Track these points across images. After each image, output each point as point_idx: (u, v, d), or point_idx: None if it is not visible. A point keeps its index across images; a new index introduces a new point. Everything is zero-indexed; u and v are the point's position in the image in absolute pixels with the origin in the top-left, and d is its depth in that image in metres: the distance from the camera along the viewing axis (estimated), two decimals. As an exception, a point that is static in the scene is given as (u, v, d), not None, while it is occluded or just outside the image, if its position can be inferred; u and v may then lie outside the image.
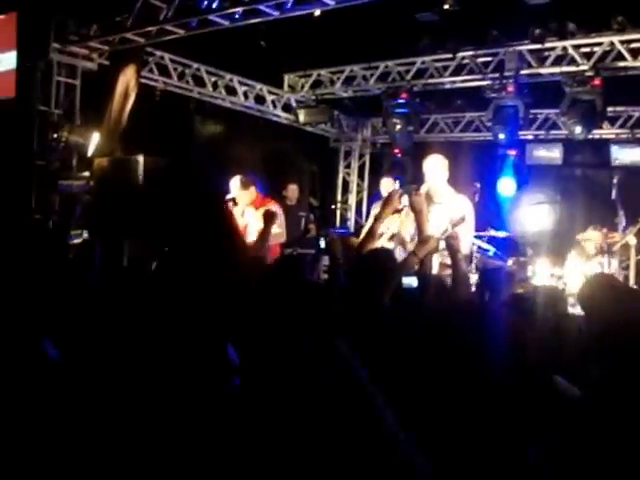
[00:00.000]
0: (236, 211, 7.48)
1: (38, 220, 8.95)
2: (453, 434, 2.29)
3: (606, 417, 2.18)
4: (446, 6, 8.40)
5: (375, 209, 7.26)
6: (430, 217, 5.88)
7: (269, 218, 5.97)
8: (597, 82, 9.84)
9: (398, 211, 5.86)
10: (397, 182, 8.32)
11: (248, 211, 7.75)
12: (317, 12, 8.36)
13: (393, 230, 6.59)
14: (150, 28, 9.22)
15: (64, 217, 9.12)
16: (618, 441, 2.13)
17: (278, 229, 7.49)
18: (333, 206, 14.06)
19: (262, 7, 8.28)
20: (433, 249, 4.53)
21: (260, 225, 6.83)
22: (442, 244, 4.75)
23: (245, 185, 7.74)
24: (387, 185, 8.94)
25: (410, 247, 5.94)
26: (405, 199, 5.68)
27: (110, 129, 9.67)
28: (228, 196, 7.52)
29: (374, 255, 4.25)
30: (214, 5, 8.42)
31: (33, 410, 2.08)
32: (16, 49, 9.13)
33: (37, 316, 2.81)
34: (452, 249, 4.58)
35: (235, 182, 7.78)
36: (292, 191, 10.91)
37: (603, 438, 2.15)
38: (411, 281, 4.14)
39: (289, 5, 8.26)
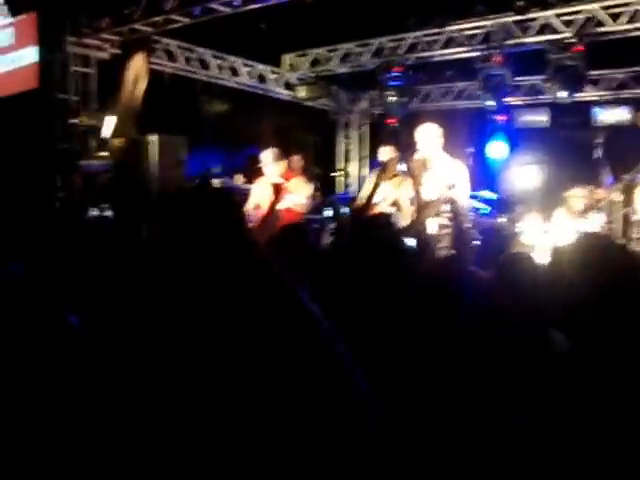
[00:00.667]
0: (265, 183, 7.60)
1: (61, 198, 9.20)
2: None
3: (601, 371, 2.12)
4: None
5: (373, 176, 7.39)
6: (426, 182, 6.05)
7: (277, 192, 6.17)
8: (579, 48, 9.94)
9: (395, 176, 6.04)
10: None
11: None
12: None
13: (393, 196, 6.70)
14: (157, 18, 9.55)
15: (84, 195, 9.33)
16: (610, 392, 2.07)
17: (304, 199, 7.62)
18: (333, 174, 14.21)
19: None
20: (432, 213, 4.61)
21: (290, 195, 7.07)
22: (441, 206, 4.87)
23: (276, 158, 7.82)
24: (385, 153, 9.02)
25: (407, 211, 6.15)
26: (402, 165, 5.85)
27: (125, 112, 9.96)
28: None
29: (374, 220, 4.29)
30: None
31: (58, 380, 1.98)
32: (37, 45, 9.58)
33: (59, 288, 2.79)
34: (453, 211, 4.59)
35: (267, 155, 7.81)
36: (296, 161, 11.04)
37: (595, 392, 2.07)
38: (411, 242, 4.21)
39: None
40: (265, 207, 7.01)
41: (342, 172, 14.84)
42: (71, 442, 1.80)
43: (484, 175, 10.41)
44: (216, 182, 10.84)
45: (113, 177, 9.52)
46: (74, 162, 9.66)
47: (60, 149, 9.72)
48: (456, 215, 4.51)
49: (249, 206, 7.69)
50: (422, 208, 4.58)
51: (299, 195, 7.61)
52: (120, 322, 2.67)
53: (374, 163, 10.04)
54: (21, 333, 2.03)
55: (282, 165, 7.87)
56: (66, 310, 2.13)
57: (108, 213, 8.15)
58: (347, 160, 15.10)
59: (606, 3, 9.70)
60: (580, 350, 2.17)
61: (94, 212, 7.76)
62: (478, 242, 7.04)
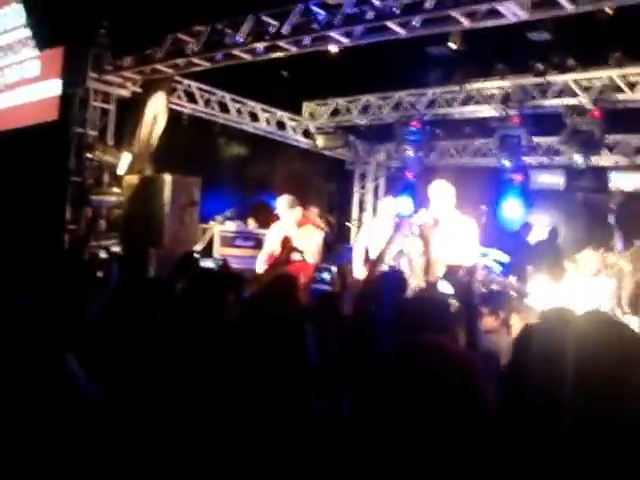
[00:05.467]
0: (279, 228, 7.55)
1: (71, 230, 9.18)
2: None
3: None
4: (454, 46, 8.44)
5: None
6: (436, 241, 5.92)
7: (286, 246, 6.06)
8: (596, 113, 9.87)
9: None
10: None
11: (292, 229, 7.64)
12: (333, 48, 8.48)
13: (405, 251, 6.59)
14: (179, 60, 9.44)
15: (88, 229, 9.32)
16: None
17: (314, 250, 7.50)
18: (347, 224, 14.13)
19: (282, 43, 8.46)
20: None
21: (301, 242, 6.96)
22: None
23: (292, 205, 7.73)
24: (387, 205, 8.79)
25: (418, 269, 6.02)
26: (414, 227, 5.75)
27: (141, 150, 9.94)
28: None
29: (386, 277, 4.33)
30: (238, 40, 8.56)
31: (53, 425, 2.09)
32: (61, 78, 9.66)
33: (59, 329, 2.85)
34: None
35: (282, 201, 7.76)
36: (312, 213, 10.94)
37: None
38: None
39: (307, 42, 8.39)
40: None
41: (356, 222, 14.75)
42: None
43: (497, 233, 10.27)
44: (229, 224, 10.79)
45: (124, 213, 9.48)
46: (86, 196, 9.59)
47: (73, 182, 9.62)
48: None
49: (264, 252, 7.67)
50: (431, 268, 4.52)
51: (309, 244, 7.49)
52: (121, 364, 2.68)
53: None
54: (21, 368, 2.11)
55: (297, 212, 7.78)
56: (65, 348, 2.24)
57: (114, 250, 8.09)
58: (362, 210, 15.01)
59: (624, 72, 9.64)
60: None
61: (102, 254, 7.68)
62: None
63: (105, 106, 10.17)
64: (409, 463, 1.78)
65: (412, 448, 1.79)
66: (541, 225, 11.43)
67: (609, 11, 7.24)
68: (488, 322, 6.32)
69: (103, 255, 7.53)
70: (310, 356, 2.71)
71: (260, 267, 7.54)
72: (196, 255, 8.98)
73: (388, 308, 3.56)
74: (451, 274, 5.24)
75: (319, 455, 2.12)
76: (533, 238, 11.51)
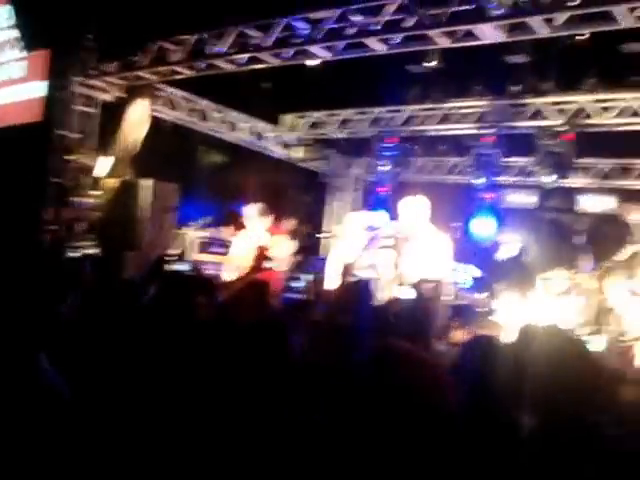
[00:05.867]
0: (250, 236, 7.55)
1: (50, 231, 9.17)
2: None
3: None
4: (431, 63, 8.58)
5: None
6: (408, 253, 6.04)
7: (260, 255, 6.14)
8: (569, 136, 10.06)
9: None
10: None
11: (262, 238, 7.63)
12: (314, 62, 8.58)
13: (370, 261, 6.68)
14: (162, 68, 9.53)
15: (67, 230, 9.32)
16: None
17: (286, 257, 7.54)
18: (319, 235, 14.19)
19: (264, 55, 8.55)
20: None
21: (273, 251, 7.01)
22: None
23: (262, 213, 7.75)
24: (356, 219, 8.80)
25: (387, 281, 6.13)
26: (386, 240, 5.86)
27: (122, 154, 9.97)
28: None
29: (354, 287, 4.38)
30: (221, 51, 8.64)
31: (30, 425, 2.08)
32: (46, 80, 9.76)
33: (33, 330, 2.83)
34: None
35: (252, 210, 7.73)
36: (289, 224, 10.95)
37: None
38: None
39: (288, 55, 8.49)
40: (246, 262, 6.98)
41: (329, 234, 14.80)
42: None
43: (469, 250, 10.38)
44: (205, 231, 10.82)
45: (103, 216, 9.49)
46: (66, 197, 9.61)
47: (53, 183, 9.64)
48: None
49: (229, 259, 7.65)
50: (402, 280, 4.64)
51: (280, 252, 7.54)
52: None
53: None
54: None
55: (268, 220, 7.77)
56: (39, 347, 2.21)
57: (91, 251, 8.10)
58: (336, 223, 15.06)
59: (597, 97, 9.87)
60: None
61: (76, 253, 7.69)
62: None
63: (88, 110, 10.20)
64: (383, 461, 1.87)
65: (384, 445, 1.88)
66: (511, 243, 11.57)
67: (584, 37, 7.42)
68: (456, 336, 6.42)
69: (81, 256, 7.55)
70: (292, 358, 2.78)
71: (227, 274, 7.48)
72: (170, 259, 9.06)
73: (362, 316, 3.65)
74: (418, 286, 5.36)
75: (297, 456, 2.19)
76: (503, 255, 11.67)
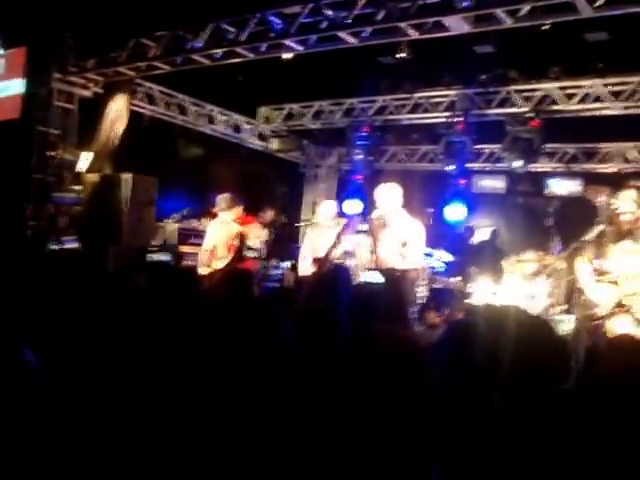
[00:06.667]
0: (218, 225, 7.65)
1: (32, 227, 9.18)
2: None
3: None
4: (402, 54, 8.69)
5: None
6: (384, 239, 6.15)
7: (242, 240, 6.26)
8: (536, 122, 10.23)
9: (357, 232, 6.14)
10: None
11: (234, 227, 7.77)
12: (288, 55, 8.66)
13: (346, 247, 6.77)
14: (140, 63, 9.59)
15: (50, 225, 9.33)
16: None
17: (259, 246, 7.62)
18: (297, 224, 14.29)
19: (239, 49, 8.63)
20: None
21: (250, 240, 7.11)
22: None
23: (231, 204, 7.82)
24: (350, 207, 8.93)
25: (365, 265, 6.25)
26: (364, 225, 5.96)
27: (102, 149, 10.01)
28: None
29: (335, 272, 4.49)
30: (197, 46, 8.71)
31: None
32: (24, 77, 9.72)
33: (16, 320, 2.82)
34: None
35: (221, 200, 7.83)
36: (268, 215, 11.01)
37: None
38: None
39: (263, 48, 8.57)
40: (221, 248, 7.07)
41: (307, 223, 14.90)
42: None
43: (442, 235, 10.54)
44: (185, 223, 10.89)
45: (84, 210, 9.53)
46: (47, 193, 9.64)
47: (35, 179, 9.68)
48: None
49: (203, 249, 7.70)
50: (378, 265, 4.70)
51: (254, 240, 7.63)
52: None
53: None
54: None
55: (237, 210, 7.85)
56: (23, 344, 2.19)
57: (72, 245, 8.13)
58: (313, 212, 15.18)
59: (562, 84, 10.11)
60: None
61: (56, 246, 7.72)
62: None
63: (68, 106, 10.21)
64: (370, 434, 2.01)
65: (371, 418, 2.03)
66: (483, 227, 11.75)
67: (547, 27, 7.56)
68: (431, 318, 6.57)
69: (63, 250, 7.60)
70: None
71: (202, 263, 7.55)
72: (152, 249, 9.15)
73: (342, 300, 3.74)
74: (386, 272, 5.48)
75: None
76: (475, 240, 11.84)
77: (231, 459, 2.23)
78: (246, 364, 2.55)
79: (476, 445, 2.11)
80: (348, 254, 6.76)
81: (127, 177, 9.15)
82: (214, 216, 7.99)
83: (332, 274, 4.47)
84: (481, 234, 11.70)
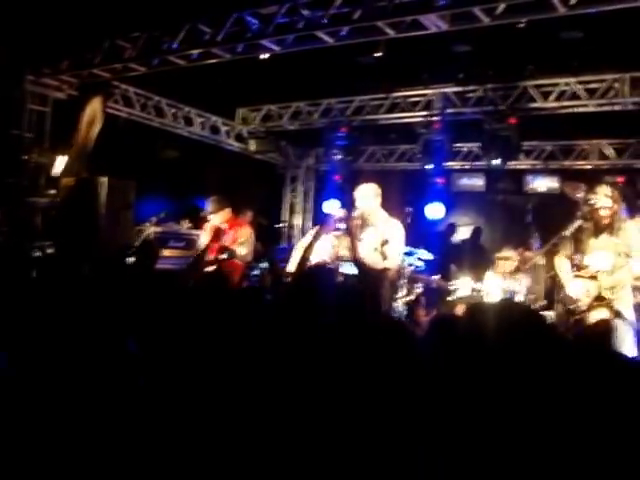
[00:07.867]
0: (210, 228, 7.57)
1: (4, 232, 9.03)
2: None
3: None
4: (378, 54, 8.68)
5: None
6: (364, 238, 6.13)
7: (216, 234, 6.25)
8: (513, 120, 10.27)
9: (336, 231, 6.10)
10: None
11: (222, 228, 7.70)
12: (265, 55, 8.63)
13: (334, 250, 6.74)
14: (116, 65, 9.46)
15: (24, 231, 9.20)
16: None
17: (245, 250, 7.57)
18: (277, 225, 14.29)
19: (216, 50, 8.57)
20: None
21: (233, 241, 7.05)
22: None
23: (220, 206, 7.78)
24: (329, 207, 8.89)
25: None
26: (342, 224, 5.94)
27: (77, 153, 9.89)
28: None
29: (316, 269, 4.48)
30: (173, 47, 8.63)
31: None
32: None
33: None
34: None
35: (210, 203, 7.79)
36: (247, 216, 10.98)
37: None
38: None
39: (240, 49, 8.52)
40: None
41: (286, 224, 14.91)
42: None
43: (422, 234, 10.54)
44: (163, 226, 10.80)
45: (59, 215, 9.40)
46: (21, 197, 9.50)
47: (7, 183, 9.50)
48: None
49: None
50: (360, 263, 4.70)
51: (241, 245, 7.58)
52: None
53: (319, 217, 10.11)
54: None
55: (226, 213, 7.84)
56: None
57: (50, 251, 8.01)
58: (292, 213, 15.19)
59: (537, 82, 10.16)
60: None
61: (37, 253, 7.60)
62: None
63: (41, 109, 10.06)
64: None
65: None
66: (464, 226, 11.80)
67: (522, 25, 7.58)
68: (419, 314, 6.61)
69: (37, 255, 7.48)
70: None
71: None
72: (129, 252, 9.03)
73: (326, 295, 3.73)
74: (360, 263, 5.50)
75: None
76: (456, 238, 11.88)
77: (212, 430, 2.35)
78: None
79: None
80: (326, 253, 6.73)
81: (103, 181, 9.03)
82: (201, 220, 7.98)
83: (315, 272, 4.44)
84: (463, 232, 11.75)
